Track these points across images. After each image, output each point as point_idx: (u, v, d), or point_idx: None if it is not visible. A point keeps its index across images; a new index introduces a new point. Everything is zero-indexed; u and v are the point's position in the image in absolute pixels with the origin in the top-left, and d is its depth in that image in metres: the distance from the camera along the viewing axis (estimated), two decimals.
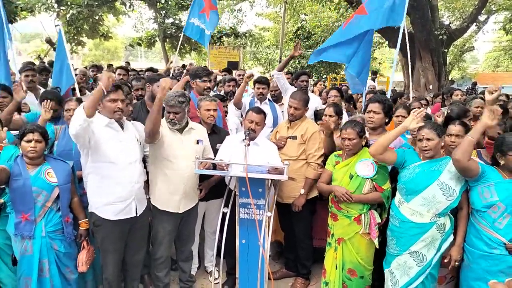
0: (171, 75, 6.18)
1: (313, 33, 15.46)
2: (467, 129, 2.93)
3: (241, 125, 4.09)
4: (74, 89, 4.36)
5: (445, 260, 2.74)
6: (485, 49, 30.73)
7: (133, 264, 3.13)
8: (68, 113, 3.20)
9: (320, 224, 3.56)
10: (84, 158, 2.80)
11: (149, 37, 16.57)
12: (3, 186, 2.74)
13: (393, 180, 2.98)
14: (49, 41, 13.89)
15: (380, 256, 3.01)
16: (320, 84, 8.09)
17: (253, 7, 21.57)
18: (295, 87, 4.89)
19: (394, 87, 9.38)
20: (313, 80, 12.03)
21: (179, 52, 15.60)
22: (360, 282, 3.03)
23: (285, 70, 7.44)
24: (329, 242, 3.15)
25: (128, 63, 12.29)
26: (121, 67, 5.67)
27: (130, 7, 14.75)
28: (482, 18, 15.83)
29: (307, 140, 3.36)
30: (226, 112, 4.21)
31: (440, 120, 3.92)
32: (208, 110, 3.38)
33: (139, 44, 17.08)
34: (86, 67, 7.90)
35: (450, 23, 16.02)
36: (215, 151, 3.32)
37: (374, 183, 2.94)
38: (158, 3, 14.97)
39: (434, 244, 2.69)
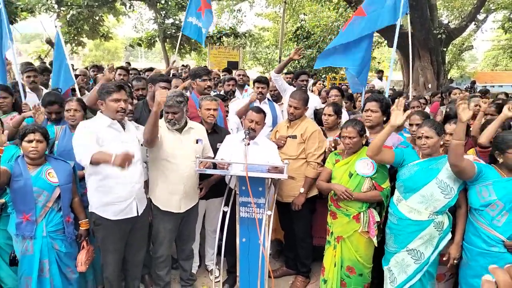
0: (171, 75, 6.20)
1: (312, 33, 15.42)
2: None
3: (242, 124, 4.11)
4: (74, 90, 4.37)
5: (444, 258, 2.75)
6: (484, 48, 30.71)
7: (133, 263, 3.15)
8: (68, 113, 3.21)
9: (320, 223, 3.58)
10: None
11: (149, 38, 16.57)
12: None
13: (392, 178, 3.00)
14: (49, 42, 13.87)
15: (380, 254, 3.02)
16: (320, 84, 8.10)
17: (252, 7, 21.61)
18: (295, 86, 4.91)
19: (393, 86, 9.37)
20: (313, 80, 12.05)
21: (179, 52, 15.64)
22: (359, 279, 3.05)
23: (285, 69, 7.47)
24: (328, 240, 3.17)
25: (128, 63, 12.29)
26: (121, 67, 5.68)
27: (130, 7, 14.75)
28: (480, 17, 15.84)
29: (307, 139, 3.38)
30: (227, 111, 4.23)
31: (439, 118, 3.94)
32: (209, 109, 3.39)
33: (139, 45, 17.08)
34: (86, 68, 7.92)
35: (449, 22, 16.03)
36: (216, 151, 3.34)
37: (373, 181, 2.96)
38: (158, 4, 14.98)
39: (432, 242, 2.71)
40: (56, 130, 3.26)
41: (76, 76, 4.66)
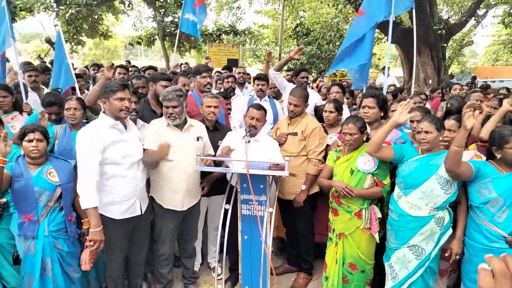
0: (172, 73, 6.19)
1: (312, 29, 15.39)
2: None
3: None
4: (74, 88, 4.37)
5: (446, 254, 2.75)
6: (484, 43, 30.72)
7: (136, 261, 3.15)
8: (68, 112, 3.21)
9: (321, 220, 3.58)
10: None
11: (149, 36, 16.54)
12: None
13: (392, 174, 2.99)
14: (48, 41, 13.88)
15: (382, 250, 3.03)
16: (320, 80, 8.08)
17: (252, 5, 21.57)
18: (294, 83, 4.90)
19: (393, 83, 9.35)
20: (313, 77, 12.03)
21: (178, 50, 15.61)
22: (361, 276, 3.06)
23: (285, 67, 7.46)
24: (330, 237, 3.17)
25: (128, 61, 12.25)
26: (121, 66, 5.67)
27: (129, 6, 14.74)
28: (480, 12, 15.78)
29: (308, 136, 3.38)
30: (230, 109, 4.22)
31: (439, 114, 3.94)
32: (209, 106, 3.39)
33: (139, 43, 17.04)
34: (86, 66, 7.91)
35: (448, 17, 15.98)
36: (217, 148, 3.34)
37: (375, 178, 2.96)
38: (157, 2, 14.94)
39: (432, 238, 2.71)
40: (56, 129, 3.25)
41: (77, 76, 4.65)
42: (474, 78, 16.32)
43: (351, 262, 3.04)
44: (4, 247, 2.95)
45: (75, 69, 5.95)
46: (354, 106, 5.28)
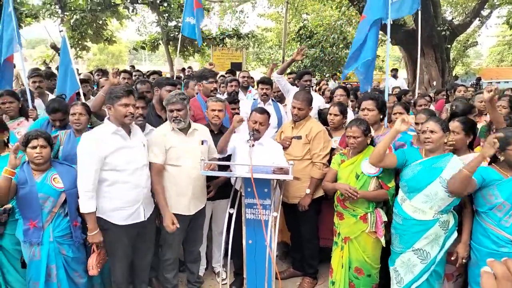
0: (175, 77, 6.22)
1: (315, 32, 15.39)
2: (466, 126, 2.89)
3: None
4: (78, 94, 4.39)
5: (452, 258, 2.72)
6: (488, 44, 30.45)
7: (141, 267, 3.15)
8: (74, 117, 3.21)
9: (325, 224, 3.56)
10: None
11: (153, 41, 16.62)
12: None
13: (397, 174, 2.98)
14: (54, 47, 13.97)
15: (387, 254, 3.00)
16: (324, 83, 8.07)
17: (255, 8, 21.59)
18: (297, 86, 4.90)
19: (401, 85, 9.33)
20: (316, 79, 12.02)
21: (182, 54, 15.66)
22: (367, 280, 3.03)
23: (288, 69, 7.46)
24: (336, 241, 3.15)
25: (133, 66, 12.31)
26: (124, 71, 5.70)
27: (133, 11, 14.81)
28: (485, 12, 15.69)
29: (312, 139, 3.37)
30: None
31: (444, 116, 3.91)
32: (213, 110, 3.40)
33: (143, 48, 17.13)
34: (91, 72, 7.95)
35: (453, 18, 15.93)
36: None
37: (380, 181, 2.94)
38: (160, 7, 15.01)
39: (437, 241, 2.68)
40: (60, 135, 3.25)
41: (82, 81, 4.68)
42: (478, 79, 16.22)
43: (357, 267, 3.02)
44: (10, 252, 2.96)
45: (79, 74, 5.99)
46: (358, 109, 5.26)
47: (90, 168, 2.65)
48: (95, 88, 5.89)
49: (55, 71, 6.18)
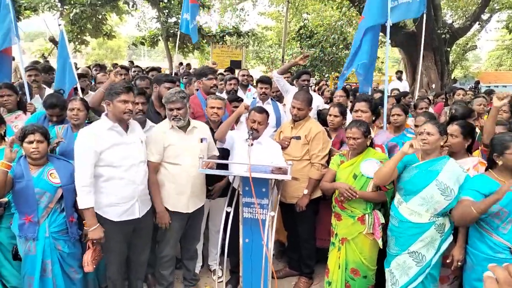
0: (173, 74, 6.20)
1: (315, 32, 15.37)
2: (465, 130, 2.87)
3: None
4: (76, 88, 4.37)
5: (448, 261, 2.72)
6: (488, 48, 30.53)
7: (138, 263, 3.15)
8: (72, 112, 3.20)
9: (323, 225, 3.57)
10: None
11: (152, 36, 16.55)
12: None
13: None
14: (52, 40, 13.91)
15: (384, 256, 3.01)
16: (323, 84, 8.08)
17: (255, 6, 21.58)
18: (295, 86, 4.90)
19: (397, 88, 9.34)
20: (315, 79, 12.01)
21: (182, 51, 15.62)
22: (363, 282, 3.04)
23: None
24: (333, 242, 3.15)
25: (131, 62, 12.27)
26: (121, 66, 5.67)
27: (133, 6, 14.74)
28: (485, 16, 15.76)
29: (311, 140, 3.36)
30: None
31: (443, 119, 3.92)
32: (213, 107, 3.40)
33: (142, 43, 17.07)
34: (89, 66, 7.91)
35: (453, 22, 15.95)
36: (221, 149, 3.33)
37: None
38: (161, 3, 14.94)
39: (433, 244, 2.68)
40: (57, 130, 3.23)
41: (80, 76, 4.65)
42: (477, 82, 16.28)
43: (353, 268, 3.02)
44: (5, 246, 2.95)
45: (77, 69, 5.96)
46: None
47: (87, 163, 2.64)
48: (93, 83, 5.85)
49: (54, 65, 6.14)
